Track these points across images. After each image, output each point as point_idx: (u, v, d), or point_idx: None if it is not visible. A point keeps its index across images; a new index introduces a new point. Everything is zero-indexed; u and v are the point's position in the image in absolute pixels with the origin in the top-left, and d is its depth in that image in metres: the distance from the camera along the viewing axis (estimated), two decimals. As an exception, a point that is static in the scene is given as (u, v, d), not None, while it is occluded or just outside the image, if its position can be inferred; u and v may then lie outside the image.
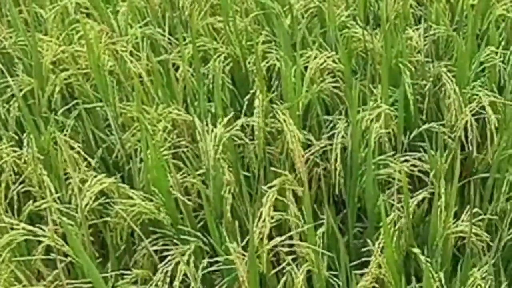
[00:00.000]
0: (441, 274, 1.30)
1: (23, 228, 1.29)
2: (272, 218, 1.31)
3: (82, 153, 1.48)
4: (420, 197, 1.42)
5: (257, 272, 1.24)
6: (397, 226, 1.35)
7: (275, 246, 1.31)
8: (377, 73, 1.59)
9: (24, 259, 1.32)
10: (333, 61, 1.61)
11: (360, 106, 1.50)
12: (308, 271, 1.32)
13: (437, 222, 1.35)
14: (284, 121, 1.40)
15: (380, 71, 1.55)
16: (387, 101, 1.51)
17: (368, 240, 1.36)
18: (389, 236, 1.30)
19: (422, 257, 1.31)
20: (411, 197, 1.40)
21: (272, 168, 1.43)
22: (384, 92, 1.52)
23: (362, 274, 1.33)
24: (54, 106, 1.65)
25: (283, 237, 1.30)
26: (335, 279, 1.34)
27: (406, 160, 1.46)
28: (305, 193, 1.33)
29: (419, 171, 1.46)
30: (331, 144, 1.44)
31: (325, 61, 1.55)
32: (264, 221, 1.29)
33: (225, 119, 1.41)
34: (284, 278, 1.31)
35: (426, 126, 1.51)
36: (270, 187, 1.33)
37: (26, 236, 1.30)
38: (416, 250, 1.35)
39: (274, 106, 1.49)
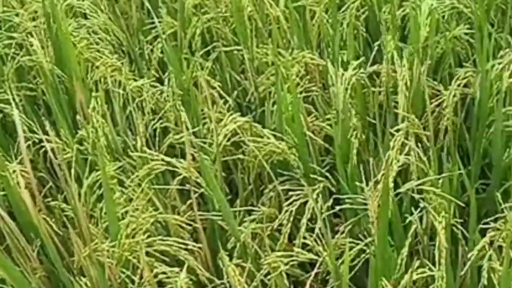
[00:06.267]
0: None
1: (162, 160, 1.38)
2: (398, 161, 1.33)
3: (221, 91, 1.54)
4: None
5: (387, 215, 1.22)
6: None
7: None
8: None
9: (161, 187, 1.40)
10: (471, 12, 1.61)
11: (495, 57, 1.48)
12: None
13: None
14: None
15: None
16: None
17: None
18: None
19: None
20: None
21: (398, 111, 1.44)
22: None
23: (485, 229, 1.32)
24: (194, 48, 1.73)
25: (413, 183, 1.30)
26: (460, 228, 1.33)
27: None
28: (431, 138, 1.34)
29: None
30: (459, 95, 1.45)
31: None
32: (391, 164, 1.31)
33: (355, 63, 1.43)
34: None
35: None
36: (397, 131, 1.35)
37: (165, 167, 1.38)
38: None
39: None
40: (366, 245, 1.28)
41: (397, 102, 1.48)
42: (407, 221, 1.30)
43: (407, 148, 1.36)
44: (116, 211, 1.30)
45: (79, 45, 1.65)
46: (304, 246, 1.32)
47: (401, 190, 1.30)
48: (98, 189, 1.39)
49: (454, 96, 1.46)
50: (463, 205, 1.31)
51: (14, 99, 1.53)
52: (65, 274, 1.30)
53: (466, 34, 1.61)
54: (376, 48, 1.59)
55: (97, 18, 1.77)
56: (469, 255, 1.25)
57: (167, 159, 1.36)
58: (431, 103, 1.46)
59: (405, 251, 1.26)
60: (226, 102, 1.57)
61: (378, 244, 1.20)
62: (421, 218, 1.32)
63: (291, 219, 1.34)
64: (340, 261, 1.23)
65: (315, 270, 1.25)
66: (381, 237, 1.20)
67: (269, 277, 1.26)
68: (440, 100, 1.47)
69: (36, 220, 1.30)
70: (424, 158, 1.35)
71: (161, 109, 1.55)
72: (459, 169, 1.35)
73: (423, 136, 1.39)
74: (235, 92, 1.63)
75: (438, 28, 1.56)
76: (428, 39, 1.52)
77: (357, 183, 1.31)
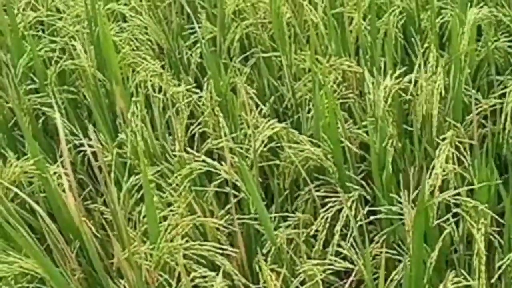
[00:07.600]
0: None
1: (203, 161, 1.38)
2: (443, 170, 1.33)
3: (255, 98, 1.56)
4: None
5: (423, 224, 1.22)
6: None
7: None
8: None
9: (201, 189, 1.42)
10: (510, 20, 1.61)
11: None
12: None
13: None
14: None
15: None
16: None
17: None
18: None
19: None
20: None
21: (448, 119, 1.44)
22: None
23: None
24: (233, 54, 1.74)
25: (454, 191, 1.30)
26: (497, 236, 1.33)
27: None
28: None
29: None
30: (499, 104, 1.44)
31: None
32: (436, 172, 1.30)
33: (397, 72, 1.43)
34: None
35: None
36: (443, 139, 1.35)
37: (205, 168, 1.39)
38: None
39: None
40: (400, 254, 1.29)
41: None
42: (436, 222, 1.30)
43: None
44: (155, 215, 1.32)
45: (122, 50, 1.68)
46: (337, 252, 1.33)
47: (439, 199, 1.30)
48: (136, 192, 1.41)
49: (494, 105, 1.46)
50: (496, 216, 1.30)
51: (56, 102, 1.55)
52: (104, 275, 1.33)
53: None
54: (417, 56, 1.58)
55: (139, 20, 1.79)
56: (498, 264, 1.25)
57: (208, 160, 1.37)
58: (476, 114, 1.46)
59: (434, 254, 1.26)
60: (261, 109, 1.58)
61: (413, 254, 1.20)
62: (457, 226, 1.33)
63: (327, 225, 1.36)
64: (377, 276, 1.23)
65: (351, 279, 1.26)
66: (416, 247, 1.20)
67: (304, 286, 1.26)
68: (480, 109, 1.46)
69: (78, 221, 1.32)
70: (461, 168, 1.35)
71: (200, 114, 1.56)
72: (497, 178, 1.35)
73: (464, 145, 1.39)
74: (272, 98, 1.64)
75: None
76: (468, 47, 1.51)
77: (393, 194, 1.31)
